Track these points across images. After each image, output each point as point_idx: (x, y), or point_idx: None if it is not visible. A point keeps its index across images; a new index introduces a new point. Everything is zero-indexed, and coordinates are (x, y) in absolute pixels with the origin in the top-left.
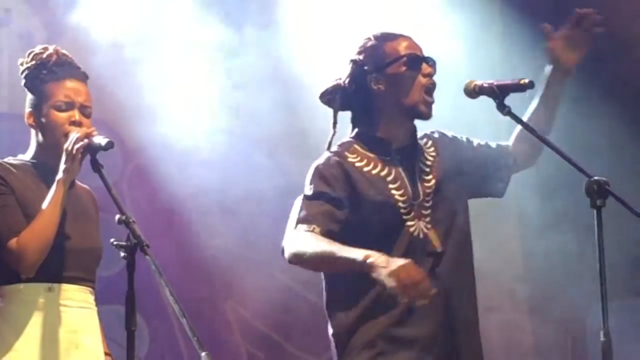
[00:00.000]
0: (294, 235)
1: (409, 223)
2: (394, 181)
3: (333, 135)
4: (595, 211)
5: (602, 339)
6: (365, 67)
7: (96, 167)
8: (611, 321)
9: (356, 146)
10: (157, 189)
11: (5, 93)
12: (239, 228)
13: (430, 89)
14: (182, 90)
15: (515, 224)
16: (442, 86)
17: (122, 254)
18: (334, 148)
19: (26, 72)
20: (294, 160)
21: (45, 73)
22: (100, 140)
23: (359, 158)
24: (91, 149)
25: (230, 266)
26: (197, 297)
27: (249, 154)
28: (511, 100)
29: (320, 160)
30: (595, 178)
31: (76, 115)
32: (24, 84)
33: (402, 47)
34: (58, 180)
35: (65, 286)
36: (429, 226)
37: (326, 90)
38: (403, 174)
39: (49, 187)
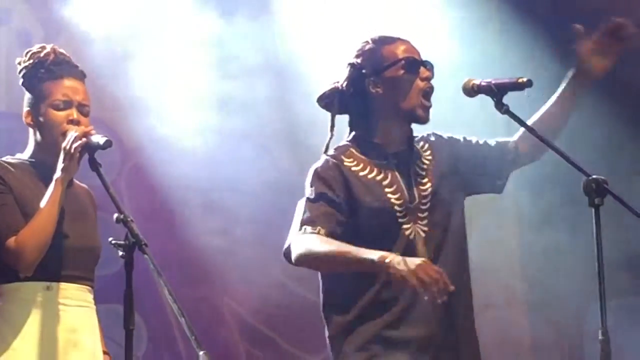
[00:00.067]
0: (301, 237)
1: (405, 226)
2: (390, 185)
3: (330, 138)
4: (593, 210)
5: (600, 337)
6: (363, 71)
7: (94, 166)
8: (609, 320)
9: (352, 150)
10: (155, 187)
11: (3, 92)
12: (238, 227)
13: (428, 92)
14: (182, 89)
15: (513, 221)
16: (440, 85)
17: (121, 253)
18: (331, 151)
19: (24, 71)
20: (292, 159)
21: (43, 72)
22: (98, 139)
23: (355, 162)
24: (89, 148)
25: (228, 264)
26: (196, 296)
27: (250, 153)
28: (509, 98)
29: (319, 163)
30: (594, 177)
31: (74, 114)
32: (22, 83)
33: (400, 51)
34: (56, 179)
35: (64, 285)
36: (425, 229)
37: (324, 93)
38: (399, 178)
39: (47, 186)
